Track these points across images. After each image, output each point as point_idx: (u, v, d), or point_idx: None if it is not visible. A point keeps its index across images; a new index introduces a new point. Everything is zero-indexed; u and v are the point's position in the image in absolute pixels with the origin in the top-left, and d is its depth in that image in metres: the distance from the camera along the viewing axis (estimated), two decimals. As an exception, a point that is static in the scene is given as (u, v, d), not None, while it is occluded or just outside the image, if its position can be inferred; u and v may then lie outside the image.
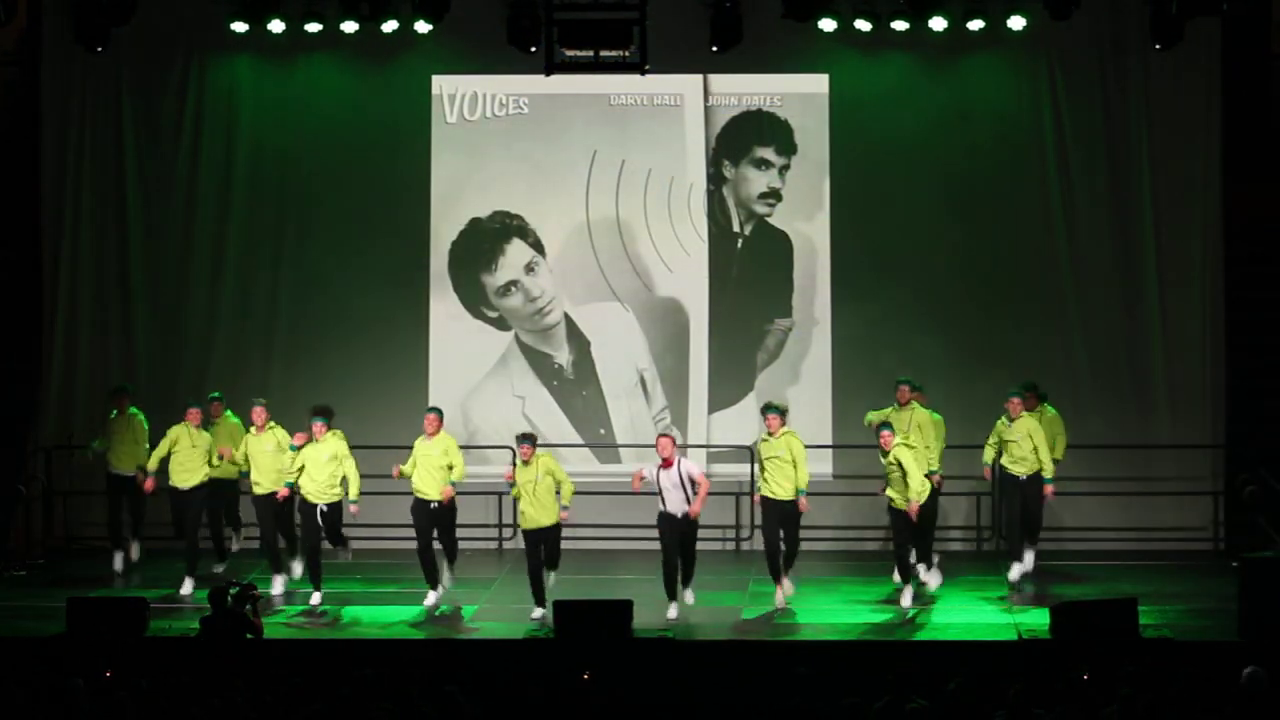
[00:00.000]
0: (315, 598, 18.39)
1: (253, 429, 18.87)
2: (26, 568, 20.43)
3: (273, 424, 18.86)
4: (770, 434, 18.06)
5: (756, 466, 18.54)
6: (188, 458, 19.18)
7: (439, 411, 18.66)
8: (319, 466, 18.29)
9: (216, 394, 20.07)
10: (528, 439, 17.89)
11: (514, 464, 18.13)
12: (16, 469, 21.14)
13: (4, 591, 19.25)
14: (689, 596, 17.76)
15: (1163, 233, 21.51)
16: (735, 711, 14.05)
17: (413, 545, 18.40)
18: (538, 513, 17.72)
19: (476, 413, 21.61)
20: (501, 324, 22.11)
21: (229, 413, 19.83)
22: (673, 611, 17.57)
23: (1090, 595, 17.87)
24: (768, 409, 18.20)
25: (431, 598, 18.21)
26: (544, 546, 17.76)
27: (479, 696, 13.73)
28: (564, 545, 18.01)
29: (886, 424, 18.40)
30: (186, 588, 18.86)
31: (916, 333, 21.60)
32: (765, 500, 18.12)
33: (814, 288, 21.92)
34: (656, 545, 18.08)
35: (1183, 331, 21.47)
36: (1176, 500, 21.29)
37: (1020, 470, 18.97)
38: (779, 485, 17.96)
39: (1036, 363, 21.17)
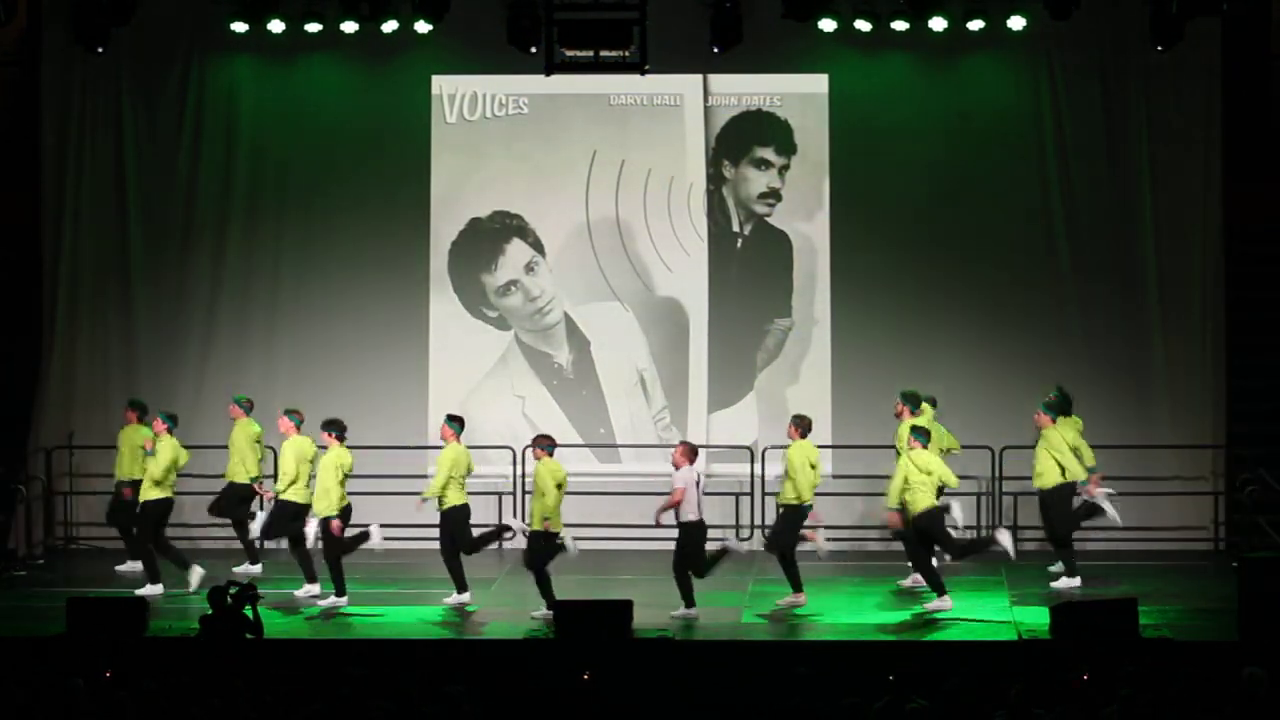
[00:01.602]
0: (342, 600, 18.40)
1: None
2: (26, 568, 20.42)
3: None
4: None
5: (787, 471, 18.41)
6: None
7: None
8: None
9: (241, 396, 20.05)
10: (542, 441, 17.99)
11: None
12: (16, 469, 21.13)
13: (4, 591, 19.23)
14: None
15: (1163, 233, 21.51)
16: (735, 711, 14.06)
17: (410, 547, 18.43)
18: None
19: (476, 413, 21.57)
20: (501, 324, 22.12)
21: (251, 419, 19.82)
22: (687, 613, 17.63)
23: (1090, 595, 17.86)
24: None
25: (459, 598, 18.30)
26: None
27: (479, 696, 13.73)
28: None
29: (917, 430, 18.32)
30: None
31: (916, 333, 21.60)
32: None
33: (814, 288, 21.92)
34: (656, 545, 18.08)
35: (1183, 331, 21.48)
36: (1176, 500, 21.30)
37: (1040, 484, 18.99)
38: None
39: (1036, 363, 21.17)
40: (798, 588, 18.04)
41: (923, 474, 17.85)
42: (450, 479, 18.13)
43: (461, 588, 18.16)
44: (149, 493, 18.87)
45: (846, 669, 15.17)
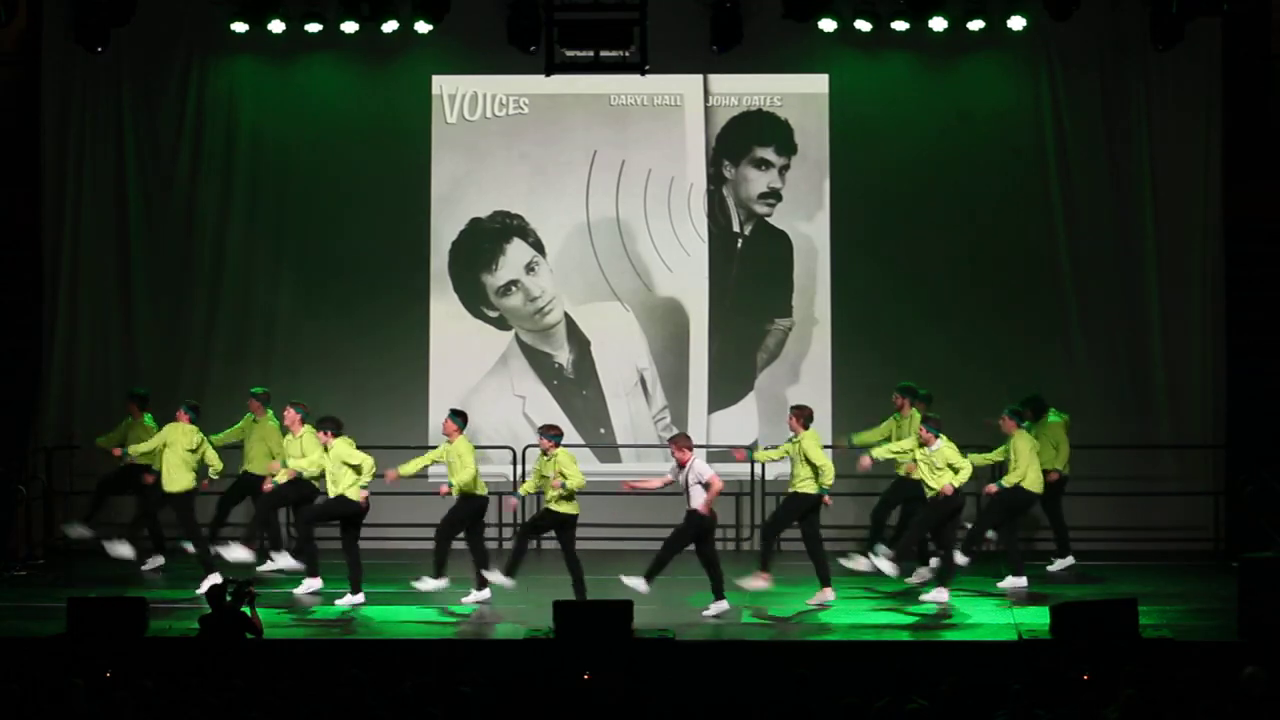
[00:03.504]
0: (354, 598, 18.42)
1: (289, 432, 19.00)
2: (26, 568, 20.42)
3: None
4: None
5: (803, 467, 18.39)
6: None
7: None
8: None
9: (259, 389, 20.05)
10: (548, 433, 17.98)
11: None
12: (16, 469, 21.13)
13: (4, 591, 19.23)
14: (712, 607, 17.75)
15: (1163, 233, 21.53)
16: (735, 711, 14.04)
17: (411, 547, 18.47)
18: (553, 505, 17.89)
19: (476, 412, 21.57)
20: (501, 324, 22.13)
21: (270, 412, 19.81)
22: (636, 584, 17.62)
23: (1090, 595, 17.86)
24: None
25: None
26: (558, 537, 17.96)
27: (479, 696, 13.72)
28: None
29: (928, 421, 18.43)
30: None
31: (916, 333, 21.63)
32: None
33: (814, 288, 21.94)
34: (657, 546, 18.07)
35: (1183, 331, 21.49)
36: (1176, 500, 21.30)
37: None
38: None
39: (1036, 363, 21.20)
40: (765, 568, 18.11)
41: (945, 464, 17.97)
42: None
43: (440, 573, 18.19)
44: (176, 483, 18.94)
45: (846, 669, 15.16)
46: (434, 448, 19.09)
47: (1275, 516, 19.92)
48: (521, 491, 18.43)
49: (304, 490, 18.79)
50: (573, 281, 22.09)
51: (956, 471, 18.09)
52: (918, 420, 18.99)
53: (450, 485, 18.12)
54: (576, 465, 17.87)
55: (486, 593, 18.18)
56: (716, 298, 21.97)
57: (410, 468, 18.32)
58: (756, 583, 18.19)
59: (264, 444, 19.66)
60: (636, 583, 17.59)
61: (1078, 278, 21.62)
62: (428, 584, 18.24)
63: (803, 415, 18.32)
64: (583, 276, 22.09)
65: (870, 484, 20.10)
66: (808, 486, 18.11)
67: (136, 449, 19.15)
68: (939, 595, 18.12)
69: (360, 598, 18.13)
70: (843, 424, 21.36)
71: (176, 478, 18.88)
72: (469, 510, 18.28)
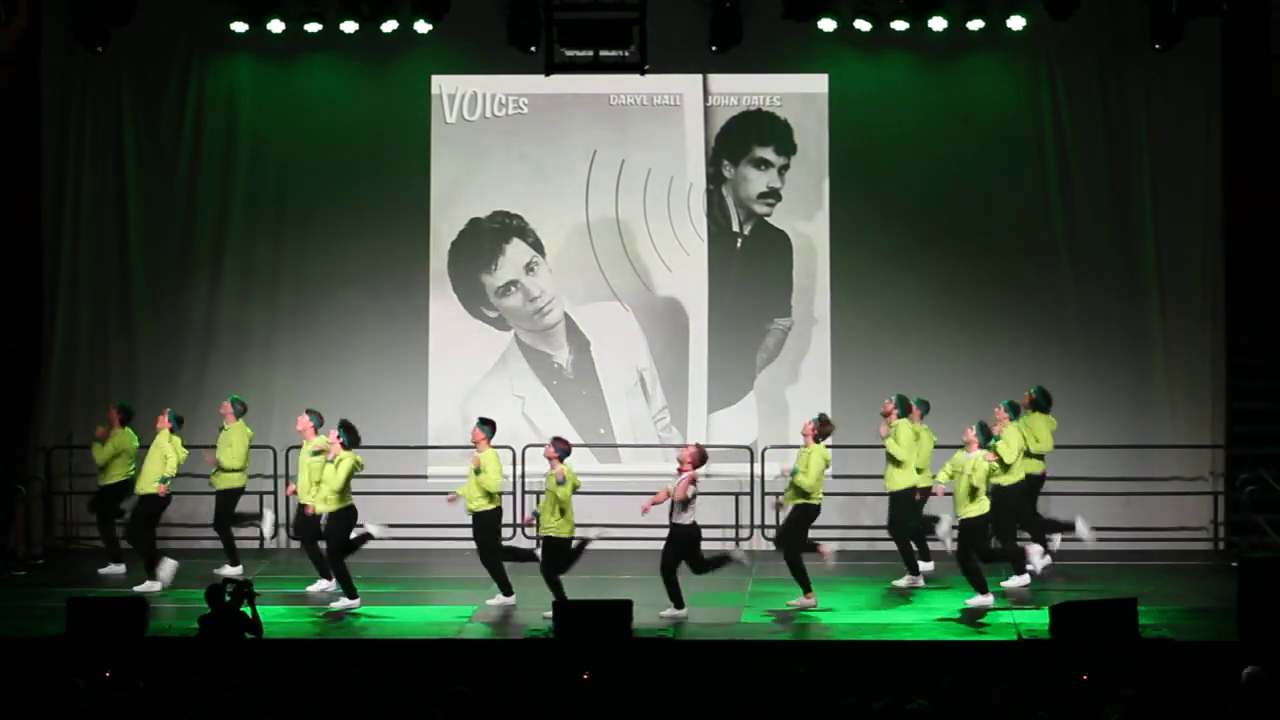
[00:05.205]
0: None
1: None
2: (26, 568, 20.42)
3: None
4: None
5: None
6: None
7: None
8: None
9: (235, 396, 20.05)
10: (556, 442, 17.93)
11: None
12: (16, 469, 21.13)
13: (4, 591, 19.24)
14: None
15: (1163, 232, 21.52)
16: (735, 711, 14.05)
17: (410, 547, 18.53)
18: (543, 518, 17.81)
19: (477, 413, 21.54)
20: (501, 324, 22.12)
21: (242, 421, 19.76)
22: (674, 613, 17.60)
23: (1090, 595, 17.87)
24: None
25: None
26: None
27: (479, 696, 13.72)
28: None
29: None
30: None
31: (916, 333, 21.62)
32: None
33: (814, 287, 21.93)
34: (657, 546, 18.08)
35: (1183, 331, 21.49)
36: (1176, 500, 21.30)
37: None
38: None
39: (1036, 363, 21.19)
40: (807, 589, 18.03)
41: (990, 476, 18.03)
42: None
43: (506, 590, 18.15)
44: (151, 486, 18.98)
45: (846, 669, 15.16)
46: (438, 448, 19.04)
47: (1275, 516, 19.93)
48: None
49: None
50: (572, 281, 22.09)
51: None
52: (901, 428, 19.02)
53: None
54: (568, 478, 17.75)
55: (513, 598, 18.12)
56: (716, 298, 21.97)
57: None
58: (804, 602, 18.12)
59: (229, 449, 19.60)
60: (676, 613, 17.53)
61: (1078, 277, 21.62)
62: (499, 599, 18.21)
63: (819, 428, 18.24)
64: (582, 276, 22.08)
65: (867, 485, 20.09)
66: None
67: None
68: (983, 600, 18.07)
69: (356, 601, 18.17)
70: (842, 424, 21.33)
71: (151, 480, 18.95)
72: (482, 525, 18.15)
